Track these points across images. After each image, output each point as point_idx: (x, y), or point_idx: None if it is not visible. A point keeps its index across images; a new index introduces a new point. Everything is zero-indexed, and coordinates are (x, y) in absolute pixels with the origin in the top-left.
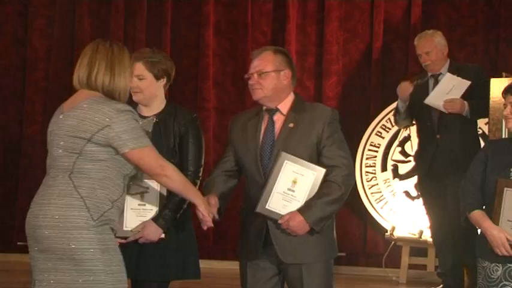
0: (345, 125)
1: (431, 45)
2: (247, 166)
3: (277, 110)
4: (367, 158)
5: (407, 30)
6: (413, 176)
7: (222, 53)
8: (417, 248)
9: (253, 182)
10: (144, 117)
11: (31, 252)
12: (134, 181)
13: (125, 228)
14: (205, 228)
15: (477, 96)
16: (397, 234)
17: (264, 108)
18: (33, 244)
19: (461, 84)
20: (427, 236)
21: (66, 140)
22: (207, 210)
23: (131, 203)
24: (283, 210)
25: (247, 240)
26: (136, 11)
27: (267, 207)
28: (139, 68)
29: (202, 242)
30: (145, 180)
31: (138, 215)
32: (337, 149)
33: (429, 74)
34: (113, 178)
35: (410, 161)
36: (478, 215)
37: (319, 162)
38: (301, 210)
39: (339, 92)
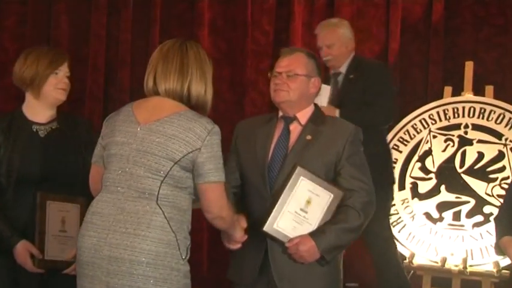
0: None
1: (334, 37)
2: (251, 178)
3: (294, 118)
4: None
5: (428, 30)
6: (435, 195)
7: (218, 55)
8: (440, 277)
9: (257, 196)
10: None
11: (86, 283)
12: None
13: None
14: (233, 248)
15: (371, 98)
16: (417, 262)
17: (280, 115)
18: (100, 276)
19: (324, 90)
20: (451, 264)
21: (150, 158)
22: (242, 236)
23: None
24: (292, 233)
25: (242, 262)
26: (121, 8)
27: (275, 226)
28: (68, 64)
29: (195, 270)
30: None
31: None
32: (357, 172)
33: (331, 71)
34: (190, 210)
35: (431, 178)
36: (505, 241)
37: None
38: (313, 235)
39: None
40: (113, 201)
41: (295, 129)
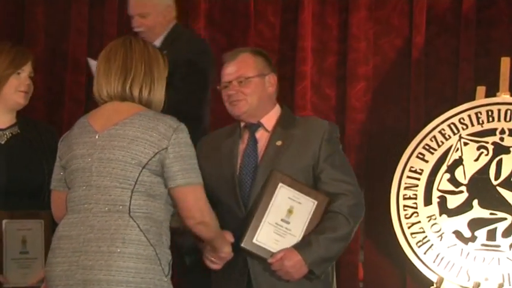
0: (376, 145)
1: (149, 5)
2: (222, 197)
3: (259, 125)
4: (406, 188)
5: (458, 21)
6: (467, 211)
7: (216, 51)
8: None
9: (230, 216)
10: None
11: None
12: None
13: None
14: (215, 267)
15: (175, 80)
16: (446, 287)
17: (243, 124)
18: None
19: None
20: None
21: (115, 165)
22: (229, 252)
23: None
24: (274, 247)
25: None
26: None
27: (254, 241)
28: (31, 64)
29: None
30: None
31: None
32: (339, 173)
33: None
34: (167, 221)
35: (462, 191)
36: None
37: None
38: (299, 248)
39: (369, 101)
40: (81, 220)
41: (262, 136)
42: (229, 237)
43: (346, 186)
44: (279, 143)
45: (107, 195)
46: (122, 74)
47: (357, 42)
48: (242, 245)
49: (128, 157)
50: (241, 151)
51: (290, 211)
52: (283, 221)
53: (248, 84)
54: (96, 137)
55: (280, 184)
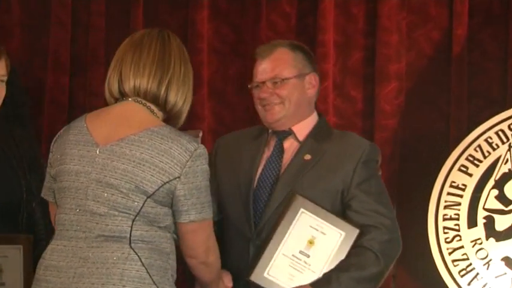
0: (410, 156)
1: None
2: (231, 213)
3: (290, 133)
4: (446, 207)
5: (506, 11)
6: None
7: (222, 46)
8: None
9: (237, 236)
10: None
11: None
12: None
13: None
14: None
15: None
16: None
17: (270, 130)
18: None
19: None
20: None
21: (115, 192)
22: None
23: None
24: (288, 283)
25: None
26: None
27: (265, 275)
28: (5, 65)
29: None
30: None
31: None
32: (374, 202)
33: None
34: (173, 253)
35: None
36: None
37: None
38: (315, 285)
39: (401, 104)
40: (72, 249)
41: (290, 146)
42: (227, 282)
43: (379, 218)
44: (307, 157)
45: (103, 224)
46: (158, 71)
47: (388, 35)
48: (251, 278)
49: (131, 184)
50: (264, 160)
51: (311, 242)
52: (302, 254)
53: (284, 86)
54: (97, 151)
55: (301, 210)
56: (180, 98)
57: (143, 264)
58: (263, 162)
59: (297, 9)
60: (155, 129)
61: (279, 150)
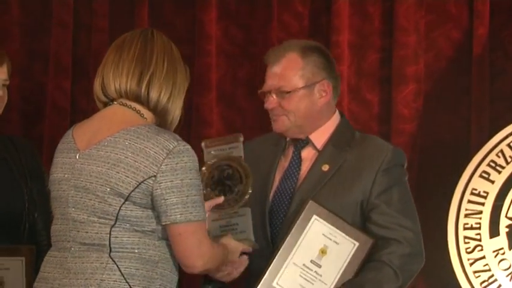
0: (429, 162)
1: None
2: None
3: (307, 141)
4: (466, 216)
5: None
6: None
7: (231, 48)
8: None
9: (256, 254)
10: None
11: None
12: None
13: None
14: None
15: None
16: None
17: (288, 138)
18: None
19: None
20: None
21: (91, 196)
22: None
23: None
24: None
25: None
26: None
27: (274, 284)
28: (7, 69)
29: None
30: None
31: None
32: (395, 213)
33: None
34: (167, 260)
35: None
36: None
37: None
38: None
39: (419, 108)
40: (60, 260)
41: (308, 155)
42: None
43: (401, 231)
44: (325, 167)
45: (83, 231)
46: (138, 68)
47: (405, 36)
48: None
49: (105, 186)
50: (281, 171)
51: (323, 251)
52: (313, 263)
53: (290, 98)
54: (77, 157)
55: (314, 217)
56: (163, 95)
57: (122, 274)
58: (280, 173)
59: (310, 8)
60: (132, 129)
61: (297, 160)
